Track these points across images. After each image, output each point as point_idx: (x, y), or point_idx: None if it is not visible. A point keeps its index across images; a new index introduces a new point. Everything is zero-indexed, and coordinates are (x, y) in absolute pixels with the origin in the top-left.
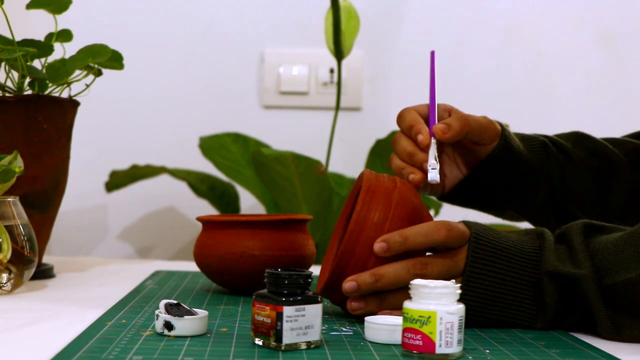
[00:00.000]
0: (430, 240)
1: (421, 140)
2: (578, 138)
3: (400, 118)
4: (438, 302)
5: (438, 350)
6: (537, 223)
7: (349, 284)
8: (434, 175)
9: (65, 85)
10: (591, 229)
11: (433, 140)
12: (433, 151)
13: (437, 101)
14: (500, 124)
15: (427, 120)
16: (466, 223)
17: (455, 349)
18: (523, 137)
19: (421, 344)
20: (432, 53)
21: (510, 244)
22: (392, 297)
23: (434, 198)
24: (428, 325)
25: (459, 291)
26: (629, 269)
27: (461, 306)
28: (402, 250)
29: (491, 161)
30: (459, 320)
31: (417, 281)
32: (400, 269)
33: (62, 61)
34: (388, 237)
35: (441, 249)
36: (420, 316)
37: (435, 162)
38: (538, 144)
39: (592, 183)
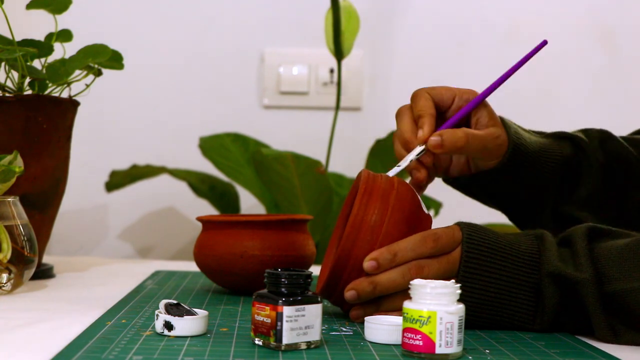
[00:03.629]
0: (419, 253)
1: (419, 137)
2: (605, 138)
3: (414, 100)
4: (438, 302)
5: (438, 350)
6: (526, 227)
7: (349, 293)
8: (393, 173)
9: (65, 85)
10: (596, 233)
11: (419, 148)
12: (411, 157)
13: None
14: (512, 141)
15: (441, 105)
16: (460, 224)
17: (455, 349)
18: (543, 148)
19: (421, 344)
20: (544, 42)
21: (505, 244)
22: (388, 302)
23: (434, 198)
24: (428, 325)
25: (459, 291)
26: (631, 278)
27: (461, 306)
28: (392, 266)
29: (498, 171)
30: (459, 320)
31: (417, 281)
32: (396, 275)
33: (62, 61)
34: (378, 255)
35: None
36: (420, 316)
37: (403, 164)
38: (559, 160)
39: (606, 190)
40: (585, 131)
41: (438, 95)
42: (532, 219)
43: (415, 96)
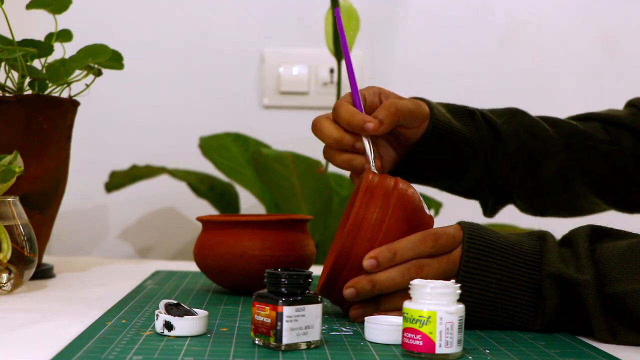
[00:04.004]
0: (419, 253)
1: (371, 128)
2: (512, 114)
3: (337, 114)
4: (438, 302)
5: (438, 350)
6: (474, 197)
7: (348, 290)
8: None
9: (65, 85)
10: (598, 234)
11: (366, 141)
12: (370, 148)
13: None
14: (428, 103)
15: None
16: (461, 224)
17: (455, 349)
18: (450, 108)
19: (421, 344)
20: (336, 11)
21: (507, 244)
22: (388, 301)
23: (434, 198)
24: (428, 325)
25: (459, 291)
26: (633, 280)
27: (461, 306)
28: (391, 265)
29: (423, 142)
30: (459, 320)
31: (417, 281)
32: (395, 274)
33: (62, 61)
34: (377, 254)
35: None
36: (420, 316)
37: (373, 161)
38: (464, 112)
39: (520, 158)
40: (490, 111)
41: (351, 100)
42: (471, 188)
43: (336, 110)
